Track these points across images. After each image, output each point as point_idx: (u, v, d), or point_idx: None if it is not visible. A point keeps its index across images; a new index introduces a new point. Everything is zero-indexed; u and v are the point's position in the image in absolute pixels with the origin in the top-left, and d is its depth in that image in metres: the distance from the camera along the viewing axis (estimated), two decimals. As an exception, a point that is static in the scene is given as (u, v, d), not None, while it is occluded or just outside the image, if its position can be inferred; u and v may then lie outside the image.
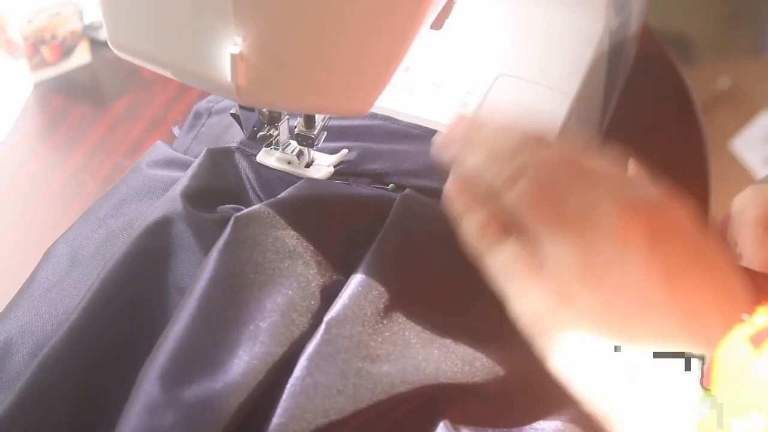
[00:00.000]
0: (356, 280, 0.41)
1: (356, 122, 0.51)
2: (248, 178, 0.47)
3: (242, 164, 0.47)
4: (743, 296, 0.40)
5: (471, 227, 0.42)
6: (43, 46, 0.75)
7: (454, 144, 0.45)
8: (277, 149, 0.48)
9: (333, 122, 0.51)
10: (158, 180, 0.48)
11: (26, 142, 0.72)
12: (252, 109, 0.46)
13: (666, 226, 0.40)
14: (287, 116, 0.48)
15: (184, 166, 0.48)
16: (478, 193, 0.43)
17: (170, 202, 0.43)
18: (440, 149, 0.45)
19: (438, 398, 0.38)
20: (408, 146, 0.50)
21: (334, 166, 0.49)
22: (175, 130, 0.57)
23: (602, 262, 0.39)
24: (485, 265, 0.41)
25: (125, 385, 0.36)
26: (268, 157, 0.48)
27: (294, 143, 0.48)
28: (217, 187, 0.46)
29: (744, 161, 1.22)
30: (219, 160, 0.47)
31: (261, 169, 0.48)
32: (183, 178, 0.45)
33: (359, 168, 0.49)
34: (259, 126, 0.47)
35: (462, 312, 0.42)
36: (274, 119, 0.47)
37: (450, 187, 0.43)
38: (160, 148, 0.50)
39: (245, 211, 0.41)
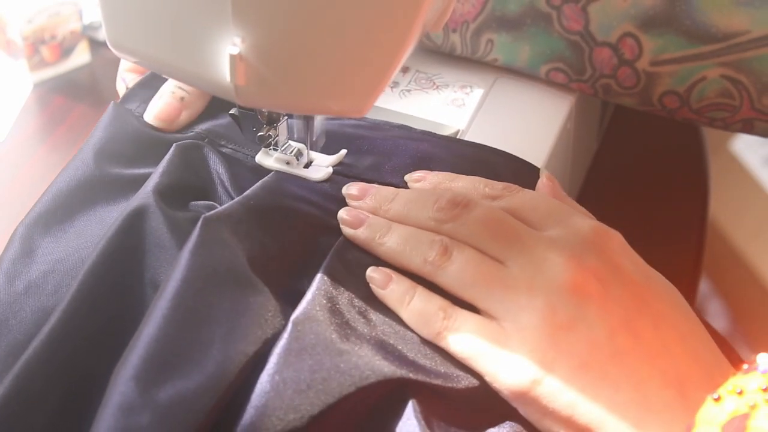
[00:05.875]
0: (322, 277, 0.41)
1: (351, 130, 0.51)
2: (218, 173, 0.47)
3: (212, 159, 0.48)
4: (692, 314, 0.41)
5: (415, 311, 0.41)
6: (42, 46, 0.75)
7: (363, 223, 0.44)
8: (276, 150, 0.48)
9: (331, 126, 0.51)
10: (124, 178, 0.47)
11: (26, 142, 0.72)
12: (251, 110, 0.46)
13: (610, 266, 0.40)
14: (286, 117, 0.48)
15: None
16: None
17: (142, 199, 0.44)
18: (348, 228, 0.44)
19: (404, 386, 0.38)
20: (400, 141, 0.50)
21: (333, 167, 0.49)
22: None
23: (565, 319, 0.39)
24: (445, 344, 0.40)
25: (105, 388, 0.36)
26: (266, 158, 0.48)
27: (293, 144, 0.48)
28: (188, 183, 0.46)
29: (744, 161, 1.22)
30: (189, 155, 0.47)
31: (232, 163, 0.48)
32: (154, 175, 0.45)
33: (354, 169, 0.49)
34: (258, 126, 0.47)
35: None
36: (273, 120, 0.47)
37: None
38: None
39: (213, 211, 0.42)
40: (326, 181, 0.48)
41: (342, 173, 0.48)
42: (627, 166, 0.71)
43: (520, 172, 0.49)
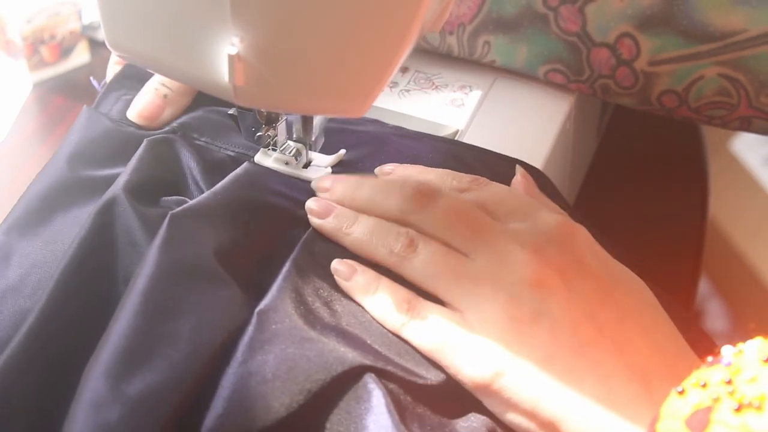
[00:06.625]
0: (289, 268, 0.41)
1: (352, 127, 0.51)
2: (189, 167, 0.47)
3: (184, 154, 0.48)
4: (657, 307, 0.41)
5: (379, 302, 0.41)
6: (42, 46, 0.75)
7: (330, 214, 0.44)
8: (275, 150, 0.48)
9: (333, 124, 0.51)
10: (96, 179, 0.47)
11: (26, 142, 0.72)
12: (250, 110, 0.46)
13: (573, 260, 0.41)
14: (285, 117, 0.48)
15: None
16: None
17: (111, 194, 0.44)
18: (316, 218, 0.44)
19: (371, 376, 0.38)
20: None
21: (332, 167, 0.48)
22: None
23: (528, 313, 0.39)
24: (408, 335, 0.40)
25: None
26: (265, 158, 0.48)
27: (291, 144, 0.48)
28: (160, 179, 0.46)
29: (744, 161, 1.22)
30: (160, 150, 0.47)
31: (205, 156, 0.48)
32: (124, 172, 0.45)
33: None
34: (257, 127, 0.47)
35: None
36: (271, 120, 0.47)
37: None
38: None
39: (180, 207, 0.42)
40: None
41: (342, 173, 0.48)
42: (627, 166, 0.71)
43: (495, 167, 0.49)
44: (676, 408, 0.32)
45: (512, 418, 0.38)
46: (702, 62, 0.51)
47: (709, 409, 0.30)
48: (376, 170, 0.48)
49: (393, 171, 0.47)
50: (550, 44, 0.54)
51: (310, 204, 0.45)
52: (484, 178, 0.46)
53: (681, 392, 0.32)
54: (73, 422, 0.34)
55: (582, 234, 0.42)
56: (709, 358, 0.32)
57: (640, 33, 0.51)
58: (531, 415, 0.38)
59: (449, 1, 0.43)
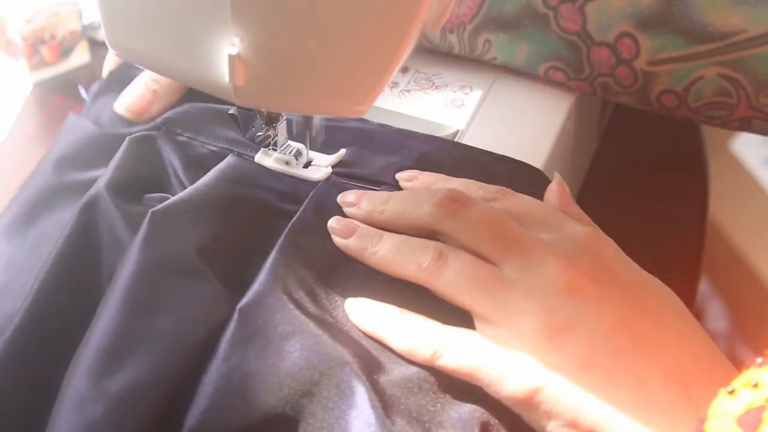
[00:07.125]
0: (272, 263, 0.41)
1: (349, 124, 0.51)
2: (171, 163, 0.47)
3: (165, 150, 0.48)
4: (688, 314, 0.41)
5: (406, 337, 0.40)
6: (42, 46, 0.75)
7: (354, 233, 0.43)
8: (275, 150, 0.48)
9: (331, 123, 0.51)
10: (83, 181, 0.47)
11: (26, 142, 0.72)
12: (250, 110, 0.46)
13: (604, 269, 0.41)
14: (285, 117, 0.48)
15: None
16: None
17: (96, 194, 0.44)
18: (339, 237, 0.44)
19: (354, 371, 0.38)
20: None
21: (332, 167, 0.48)
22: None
23: (562, 321, 0.39)
24: (441, 365, 0.39)
25: None
26: (266, 158, 0.48)
27: (292, 144, 0.48)
28: (143, 176, 0.47)
29: (744, 161, 1.22)
30: (142, 147, 0.48)
31: (187, 152, 0.48)
32: (107, 170, 0.45)
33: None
34: (258, 127, 0.47)
35: (374, 295, 0.42)
36: (272, 120, 0.47)
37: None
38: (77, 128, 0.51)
39: (161, 204, 0.42)
40: (326, 180, 0.48)
41: (341, 173, 0.48)
42: (627, 165, 0.71)
43: (517, 174, 0.49)
44: (727, 407, 0.32)
45: (553, 428, 0.38)
46: (701, 62, 0.51)
47: (762, 408, 0.30)
48: (397, 176, 0.47)
49: (414, 176, 0.47)
50: (551, 43, 0.54)
51: (332, 223, 0.44)
52: (510, 189, 0.45)
53: (731, 392, 0.32)
54: (57, 420, 0.34)
55: (610, 245, 0.42)
56: (759, 359, 0.33)
57: (639, 32, 0.51)
58: (572, 425, 0.37)
59: (450, 0, 0.43)
